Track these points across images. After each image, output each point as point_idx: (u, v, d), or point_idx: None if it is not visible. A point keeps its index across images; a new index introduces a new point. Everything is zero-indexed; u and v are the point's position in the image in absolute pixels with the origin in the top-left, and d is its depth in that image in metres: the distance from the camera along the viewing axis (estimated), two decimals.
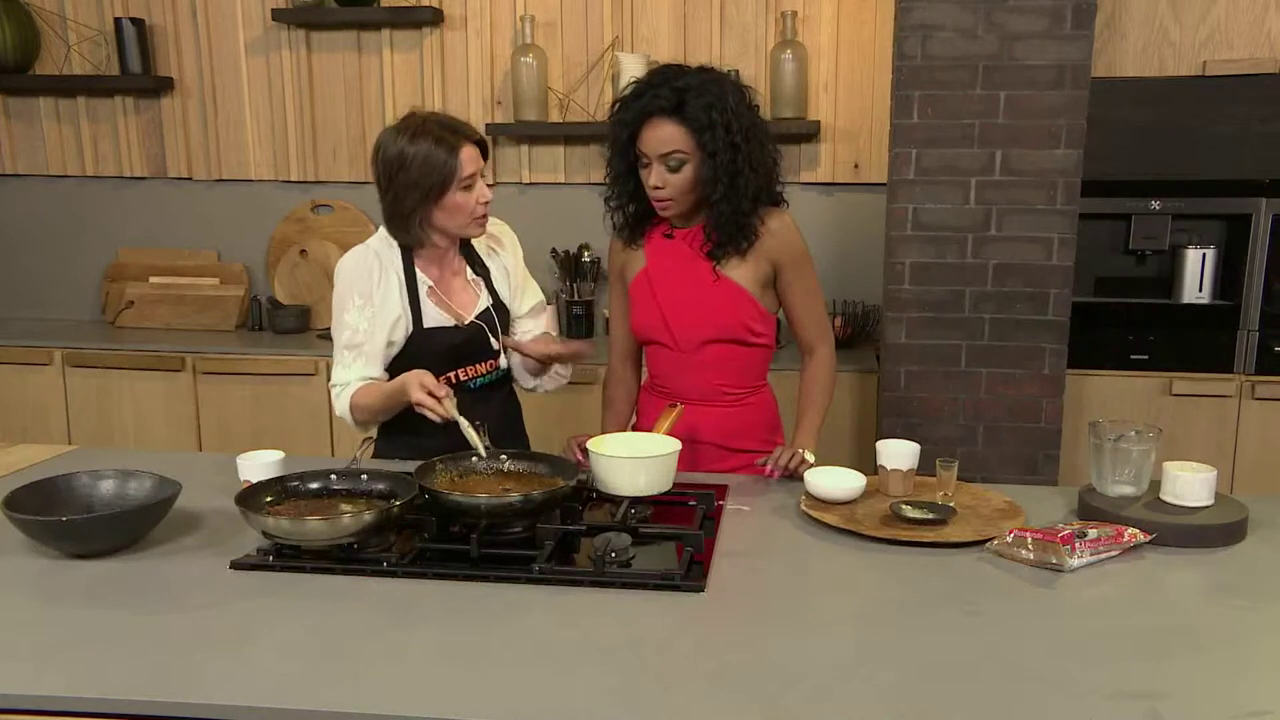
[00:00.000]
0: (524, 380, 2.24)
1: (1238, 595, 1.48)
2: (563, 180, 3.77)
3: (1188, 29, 3.19)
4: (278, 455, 1.84)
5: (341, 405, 2.06)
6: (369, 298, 2.03)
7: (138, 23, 3.76)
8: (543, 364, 2.15)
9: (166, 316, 3.90)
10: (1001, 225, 3.13)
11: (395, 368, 2.05)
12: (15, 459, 2.14)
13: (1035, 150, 3.07)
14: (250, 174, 3.93)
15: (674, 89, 1.92)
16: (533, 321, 2.26)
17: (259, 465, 1.80)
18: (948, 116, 3.05)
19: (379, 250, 2.07)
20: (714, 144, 1.92)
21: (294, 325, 3.79)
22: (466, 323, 2.10)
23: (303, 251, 3.90)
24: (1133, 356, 3.29)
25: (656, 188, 1.98)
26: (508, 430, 2.19)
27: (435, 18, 3.66)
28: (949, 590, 1.48)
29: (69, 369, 3.62)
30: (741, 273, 2.03)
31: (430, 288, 2.08)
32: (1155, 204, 3.24)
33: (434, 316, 2.07)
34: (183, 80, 3.89)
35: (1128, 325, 3.30)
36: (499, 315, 2.15)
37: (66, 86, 3.91)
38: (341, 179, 3.89)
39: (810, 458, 1.99)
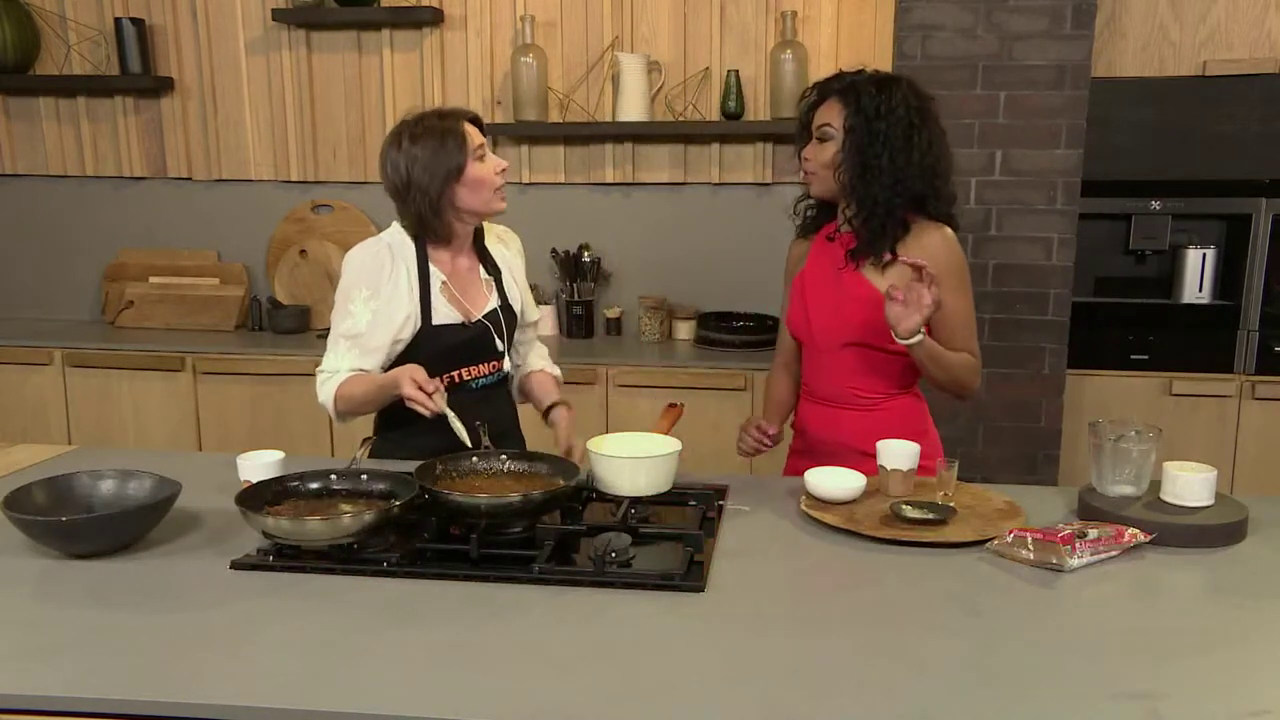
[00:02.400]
0: (517, 398, 2.31)
1: (1238, 595, 1.48)
2: (563, 180, 3.77)
3: (1188, 29, 3.19)
4: (278, 455, 1.84)
5: (326, 392, 2.04)
6: (376, 290, 2.03)
7: (138, 23, 3.76)
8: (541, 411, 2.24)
9: (166, 316, 3.90)
10: (1001, 225, 3.14)
11: (400, 363, 2.04)
12: (15, 459, 2.14)
13: (1035, 150, 3.08)
14: (250, 174, 3.93)
15: (852, 76, 2.01)
16: (530, 332, 2.30)
17: (259, 465, 1.80)
18: (948, 116, 3.02)
19: (392, 243, 2.07)
20: (856, 123, 1.95)
21: (294, 325, 3.79)
22: (474, 321, 2.10)
23: (303, 251, 3.90)
24: (1133, 356, 3.29)
25: (805, 159, 2.05)
26: (509, 430, 2.20)
27: (435, 18, 3.66)
28: (949, 590, 1.48)
29: (69, 369, 3.62)
30: (885, 280, 1.98)
31: (444, 283, 2.08)
32: (1155, 204, 3.25)
33: (444, 313, 2.07)
34: (183, 80, 3.89)
35: (1128, 325, 3.30)
36: (505, 317, 2.15)
37: (66, 86, 3.91)
38: (341, 179, 3.89)
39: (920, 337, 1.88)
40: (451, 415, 1.87)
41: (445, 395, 1.90)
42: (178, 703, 1.17)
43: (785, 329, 2.24)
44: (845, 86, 2.00)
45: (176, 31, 3.86)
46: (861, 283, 2.01)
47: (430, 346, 2.05)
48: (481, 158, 2.02)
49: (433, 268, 2.08)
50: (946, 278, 1.97)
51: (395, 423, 2.08)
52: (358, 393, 2.02)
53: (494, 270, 2.18)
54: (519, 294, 2.22)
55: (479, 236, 2.17)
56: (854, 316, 2.00)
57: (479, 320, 2.11)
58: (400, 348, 2.06)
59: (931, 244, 1.98)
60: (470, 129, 2.02)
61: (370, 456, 2.02)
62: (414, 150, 1.98)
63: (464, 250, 2.13)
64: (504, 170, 2.06)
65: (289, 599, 1.45)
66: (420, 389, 1.88)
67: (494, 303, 2.14)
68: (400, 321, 2.03)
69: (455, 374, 2.08)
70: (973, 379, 2.03)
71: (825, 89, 2.04)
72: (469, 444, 1.87)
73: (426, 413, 1.88)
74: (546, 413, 2.22)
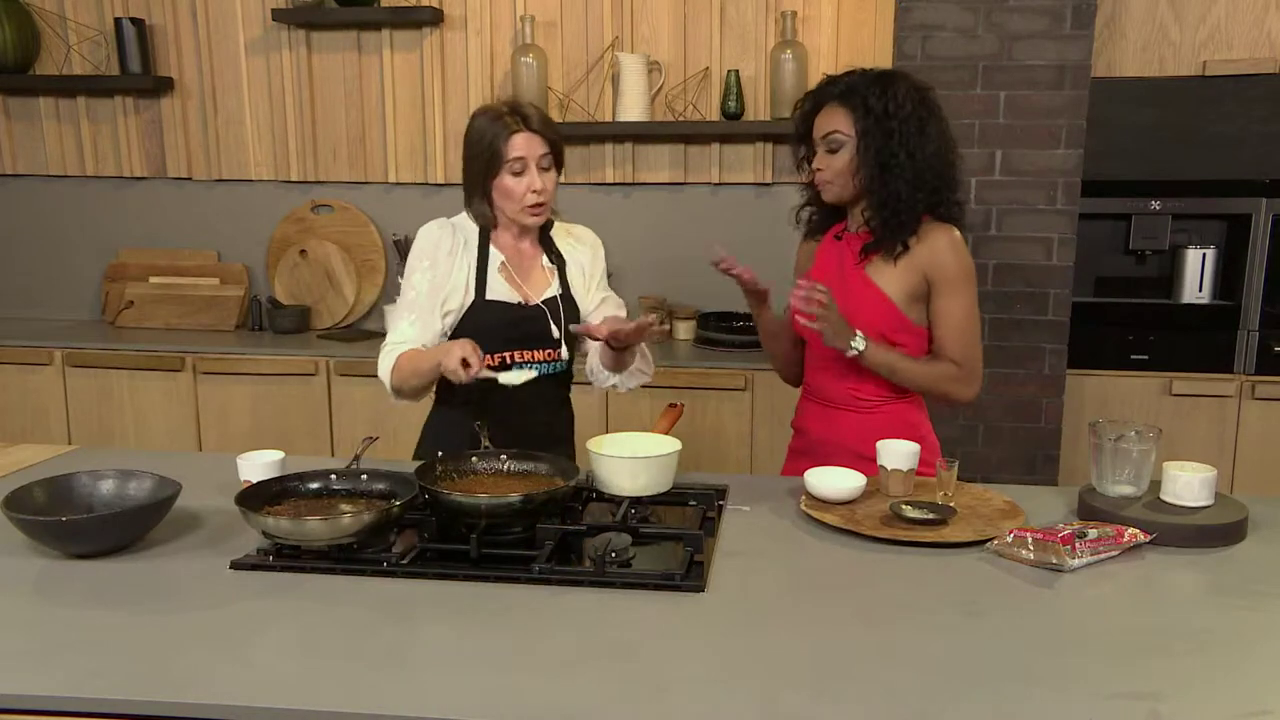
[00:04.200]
0: (601, 379, 2.18)
1: (1238, 595, 1.48)
2: (562, 180, 3.74)
3: (1187, 29, 3.19)
4: (278, 455, 1.84)
5: (385, 364, 2.05)
6: (435, 262, 2.06)
7: (138, 23, 3.76)
8: (616, 351, 2.06)
9: (166, 316, 3.89)
10: (1001, 225, 3.14)
11: (456, 337, 2.05)
12: (15, 459, 2.14)
13: (1035, 150, 3.08)
14: (250, 174, 3.93)
15: (847, 79, 2.00)
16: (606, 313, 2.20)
17: (259, 465, 1.80)
18: (948, 116, 3.05)
19: (458, 223, 2.11)
20: (868, 125, 1.94)
21: (294, 325, 3.79)
22: (531, 304, 2.09)
23: (302, 251, 3.90)
24: (1133, 356, 3.29)
25: (817, 170, 2.04)
26: (563, 437, 2.18)
27: (435, 18, 3.66)
28: (949, 590, 1.48)
29: (69, 369, 3.62)
30: (889, 279, 1.99)
31: (503, 263, 2.09)
32: (1155, 204, 3.24)
33: (499, 291, 2.08)
34: (183, 80, 3.89)
35: (1128, 325, 3.30)
36: (565, 306, 2.13)
37: (66, 86, 3.91)
38: (342, 179, 3.89)
39: (859, 345, 1.93)
40: (490, 373, 1.88)
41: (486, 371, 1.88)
42: (177, 702, 1.17)
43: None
44: (845, 90, 1.98)
45: (176, 31, 3.85)
46: (867, 284, 2.01)
47: (482, 320, 2.05)
48: (519, 172, 2.00)
49: (493, 248, 2.09)
50: (948, 281, 1.98)
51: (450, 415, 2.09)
52: (407, 365, 2.00)
53: (558, 260, 2.16)
54: (584, 290, 2.18)
55: (545, 228, 2.16)
56: (855, 318, 2.00)
57: (536, 304, 2.09)
58: (452, 320, 2.07)
59: (938, 246, 1.98)
60: (520, 140, 1.98)
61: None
62: (472, 127, 2.03)
63: (526, 237, 2.13)
64: (537, 191, 2.01)
65: (289, 599, 1.45)
66: (464, 361, 1.84)
67: (555, 290, 2.13)
68: (449, 291, 2.05)
69: (506, 355, 2.06)
70: (953, 388, 2.01)
71: (822, 96, 2.02)
72: (502, 379, 1.88)
73: (457, 377, 1.85)
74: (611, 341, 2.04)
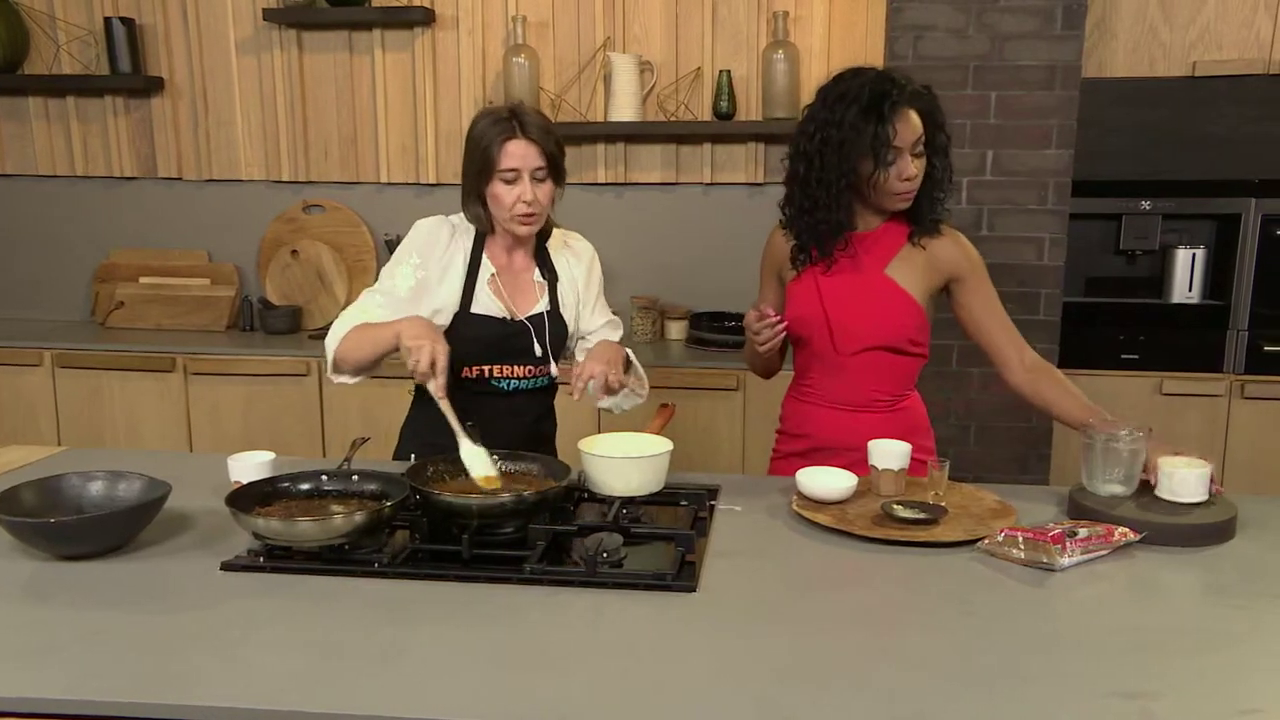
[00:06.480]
0: (596, 399, 2.11)
1: (1227, 594, 1.48)
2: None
3: (1177, 29, 3.21)
4: (268, 456, 1.83)
5: (337, 333, 1.98)
6: (426, 261, 2.03)
7: (127, 22, 3.75)
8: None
9: (157, 317, 3.88)
10: (993, 225, 3.14)
11: None
12: (5, 460, 2.13)
13: (1026, 150, 3.09)
14: (241, 174, 3.91)
15: (895, 82, 1.93)
16: (603, 336, 2.19)
17: (250, 466, 1.80)
18: None
19: (457, 225, 2.08)
20: (938, 116, 1.97)
21: (285, 326, 3.78)
22: (515, 319, 2.07)
23: (294, 252, 3.89)
24: (1123, 356, 3.31)
25: (907, 180, 1.95)
26: (541, 449, 2.09)
27: (427, 18, 3.65)
28: (941, 590, 1.49)
29: (59, 370, 3.60)
30: (913, 280, 2.00)
31: (492, 276, 2.06)
32: (1145, 204, 3.26)
33: (485, 304, 2.05)
34: (173, 80, 3.88)
35: (1118, 325, 3.31)
36: (551, 323, 2.09)
37: (56, 86, 3.89)
38: (333, 179, 3.88)
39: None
40: (446, 405, 1.81)
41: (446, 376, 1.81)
42: (169, 705, 1.17)
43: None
44: (911, 94, 1.93)
45: (167, 31, 3.84)
46: (892, 287, 2.00)
47: (466, 336, 2.02)
48: (510, 181, 1.95)
49: (485, 257, 2.07)
50: (976, 272, 2.05)
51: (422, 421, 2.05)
52: (361, 335, 1.95)
53: (550, 274, 2.13)
54: (575, 305, 2.15)
55: (542, 239, 2.12)
56: (883, 319, 2.00)
57: (521, 320, 2.07)
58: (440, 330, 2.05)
59: (956, 239, 2.04)
60: (515, 148, 1.93)
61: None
62: (473, 127, 1.99)
63: (519, 249, 2.10)
64: (528, 202, 1.96)
65: (280, 600, 1.44)
66: (430, 356, 1.77)
67: (542, 306, 2.09)
68: (435, 297, 2.02)
69: (485, 369, 2.05)
70: None
71: (898, 101, 1.91)
72: (462, 436, 1.81)
73: (418, 376, 1.79)
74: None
